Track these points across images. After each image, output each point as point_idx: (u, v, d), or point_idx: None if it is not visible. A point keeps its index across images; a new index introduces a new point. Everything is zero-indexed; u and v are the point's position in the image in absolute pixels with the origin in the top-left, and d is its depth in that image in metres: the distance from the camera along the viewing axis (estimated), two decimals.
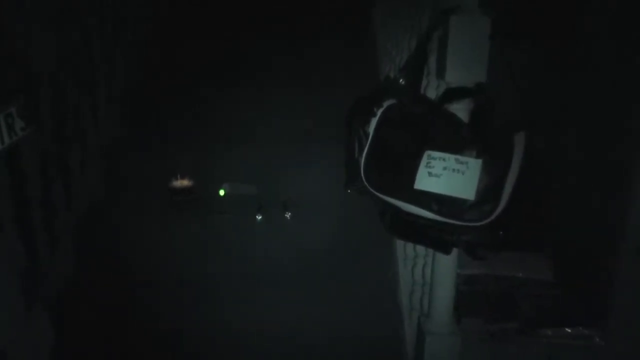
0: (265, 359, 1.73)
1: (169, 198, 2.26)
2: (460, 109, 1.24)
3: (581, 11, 2.27)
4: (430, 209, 1.13)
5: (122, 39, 2.66)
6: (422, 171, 1.12)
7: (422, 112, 1.18)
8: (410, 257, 1.68)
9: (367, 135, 1.18)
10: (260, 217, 2.20)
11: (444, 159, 1.11)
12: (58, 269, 1.85)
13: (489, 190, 1.09)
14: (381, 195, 1.19)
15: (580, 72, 2.26)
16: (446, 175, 1.11)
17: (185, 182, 2.27)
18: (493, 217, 1.10)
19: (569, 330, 1.74)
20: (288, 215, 2.19)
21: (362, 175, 1.19)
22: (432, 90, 1.43)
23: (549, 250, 2.11)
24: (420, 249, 1.60)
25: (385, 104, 1.19)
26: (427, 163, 1.12)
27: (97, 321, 1.77)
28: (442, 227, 1.16)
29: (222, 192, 2.31)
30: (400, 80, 1.21)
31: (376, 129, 1.18)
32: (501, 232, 1.14)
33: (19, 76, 1.64)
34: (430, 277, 1.51)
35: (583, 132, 2.21)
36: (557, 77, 2.38)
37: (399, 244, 1.87)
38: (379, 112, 1.18)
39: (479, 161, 1.10)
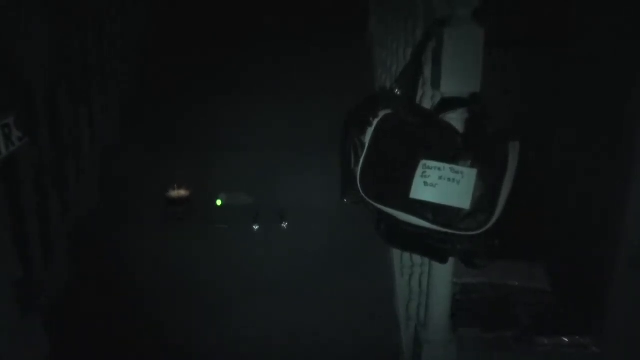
0: None
1: (166, 208, 2.26)
2: (456, 119, 1.25)
3: (574, 17, 2.29)
4: (425, 219, 1.14)
5: (118, 48, 2.67)
6: (417, 181, 1.13)
7: (418, 122, 1.19)
8: (407, 266, 1.68)
9: (363, 145, 1.20)
10: (257, 227, 2.20)
11: (439, 169, 1.12)
12: (53, 277, 1.84)
13: (484, 199, 1.10)
14: (377, 205, 1.20)
15: (573, 81, 2.28)
16: (442, 184, 1.11)
17: (182, 192, 2.26)
18: (488, 226, 1.11)
19: (566, 339, 1.74)
20: (285, 225, 2.19)
21: (359, 184, 1.19)
22: (427, 100, 1.44)
23: (544, 258, 2.11)
24: (417, 258, 1.60)
25: (381, 114, 1.20)
26: (423, 172, 1.13)
27: (92, 330, 1.76)
28: (438, 236, 1.17)
29: (219, 202, 2.31)
30: (396, 90, 1.22)
31: (372, 139, 1.19)
32: (497, 241, 1.15)
33: (15, 86, 1.64)
34: (427, 286, 1.52)
35: (579, 141, 2.22)
36: (551, 86, 2.40)
37: (396, 253, 1.88)
38: (375, 122, 1.19)
39: (474, 170, 1.11)
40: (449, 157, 1.12)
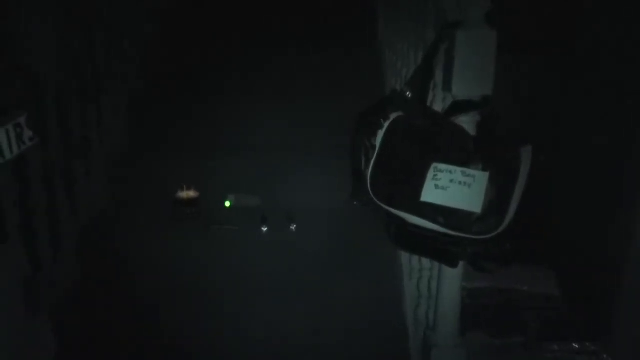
0: None
1: (174, 209, 2.26)
2: (467, 122, 1.24)
3: (581, 24, 2.28)
4: (436, 222, 1.13)
5: (127, 49, 2.68)
6: (428, 183, 1.12)
7: (429, 125, 1.18)
8: (416, 269, 1.67)
9: (373, 147, 1.19)
10: (265, 229, 2.19)
11: (450, 172, 1.11)
12: (62, 277, 1.84)
13: (495, 203, 1.09)
14: (387, 207, 1.19)
15: (581, 84, 2.27)
16: (453, 187, 1.10)
17: (191, 194, 2.26)
18: (500, 230, 1.10)
19: (576, 345, 1.73)
20: (293, 227, 2.19)
21: (369, 187, 1.19)
22: (438, 103, 1.43)
23: (554, 263, 2.10)
24: (426, 261, 1.60)
25: (392, 116, 1.19)
26: (434, 175, 1.12)
27: (100, 330, 1.76)
28: (448, 240, 1.15)
29: (227, 204, 2.31)
30: (407, 92, 1.21)
31: (383, 141, 1.18)
32: (507, 245, 1.14)
33: (26, 86, 1.65)
34: (436, 290, 1.51)
35: (587, 146, 2.21)
36: (558, 89, 2.38)
37: (405, 256, 1.87)
38: (386, 124, 1.18)
39: (486, 174, 1.10)
40: (461, 160, 1.11)
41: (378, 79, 2.82)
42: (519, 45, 2.21)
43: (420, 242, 1.21)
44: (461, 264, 1.36)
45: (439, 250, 1.20)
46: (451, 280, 1.45)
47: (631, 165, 1.89)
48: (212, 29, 3.20)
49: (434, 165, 1.13)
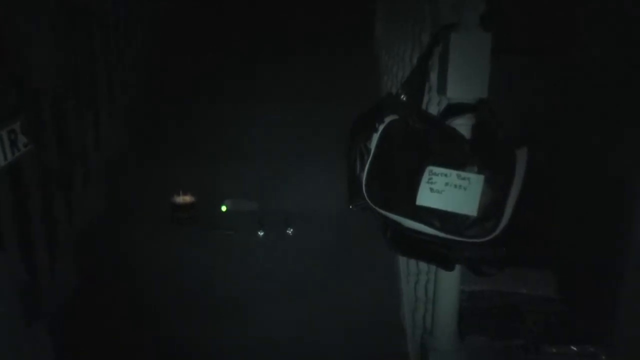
0: None
1: (171, 214, 2.26)
2: (462, 125, 1.24)
3: (580, 26, 2.28)
4: (432, 225, 1.13)
5: (125, 55, 2.68)
6: (423, 187, 1.12)
7: (424, 128, 1.18)
8: (413, 273, 1.67)
9: (368, 151, 1.19)
10: (262, 233, 2.19)
11: (445, 175, 1.11)
12: (59, 284, 1.84)
13: (491, 206, 1.09)
14: (383, 212, 1.18)
15: (580, 87, 2.26)
16: (448, 191, 1.10)
17: (187, 198, 2.26)
18: (496, 233, 1.09)
19: (575, 348, 1.72)
20: (290, 231, 2.19)
21: (364, 191, 1.18)
22: (433, 106, 1.43)
23: (553, 266, 2.09)
24: (423, 265, 1.59)
25: (387, 119, 1.19)
26: (429, 179, 1.12)
27: (98, 337, 1.76)
28: (445, 243, 1.15)
29: (223, 208, 2.30)
30: (402, 96, 1.21)
31: (378, 145, 1.18)
32: (504, 249, 1.14)
33: (21, 92, 1.65)
34: (433, 294, 1.50)
35: (586, 148, 2.21)
36: (558, 92, 2.38)
37: (402, 260, 1.86)
38: (381, 128, 1.18)
39: (481, 177, 1.09)
40: (456, 163, 1.11)
41: (375, 82, 2.82)
42: (514, 47, 2.21)
43: (416, 246, 1.21)
44: (459, 267, 1.35)
45: (435, 253, 1.20)
46: (448, 284, 1.44)
47: (630, 166, 1.88)
48: (209, 34, 3.21)
49: (429, 168, 1.12)
